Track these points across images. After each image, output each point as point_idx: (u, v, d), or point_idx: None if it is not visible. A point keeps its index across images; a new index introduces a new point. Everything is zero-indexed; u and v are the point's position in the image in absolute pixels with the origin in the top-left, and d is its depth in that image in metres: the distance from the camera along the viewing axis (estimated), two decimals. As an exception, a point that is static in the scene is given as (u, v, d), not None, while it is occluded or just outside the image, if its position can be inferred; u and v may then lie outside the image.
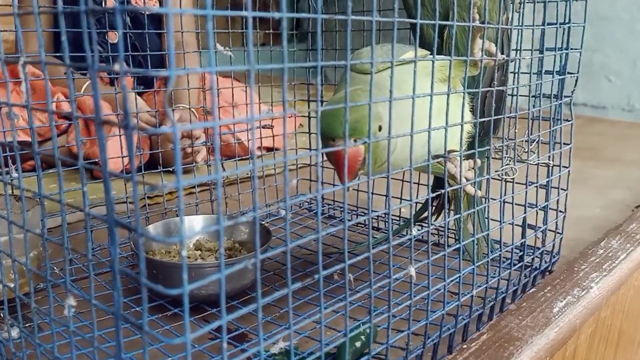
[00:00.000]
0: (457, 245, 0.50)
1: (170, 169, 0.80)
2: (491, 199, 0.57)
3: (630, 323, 0.73)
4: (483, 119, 0.49)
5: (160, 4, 1.33)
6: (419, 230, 0.73)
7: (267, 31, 0.88)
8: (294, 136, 0.99)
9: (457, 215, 0.50)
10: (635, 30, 2.48)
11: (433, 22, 0.42)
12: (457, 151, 0.50)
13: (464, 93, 0.49)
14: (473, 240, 0.52)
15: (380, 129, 0.49)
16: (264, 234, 0.66)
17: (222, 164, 0.86)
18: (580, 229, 0.84)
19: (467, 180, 0.52)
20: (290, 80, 0.96)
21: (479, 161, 0.52)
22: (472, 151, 0.50)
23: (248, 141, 0.89)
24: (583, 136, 1.58)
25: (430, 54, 0.60)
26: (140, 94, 1.31)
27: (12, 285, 0.59)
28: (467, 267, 0.53)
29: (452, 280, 0.50)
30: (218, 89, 0.85)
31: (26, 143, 0.95)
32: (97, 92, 0.29)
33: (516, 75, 0.65)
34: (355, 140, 0.47)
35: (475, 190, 0.52)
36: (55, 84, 1.09)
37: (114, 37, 1.28)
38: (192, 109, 1.03)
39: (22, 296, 0.43)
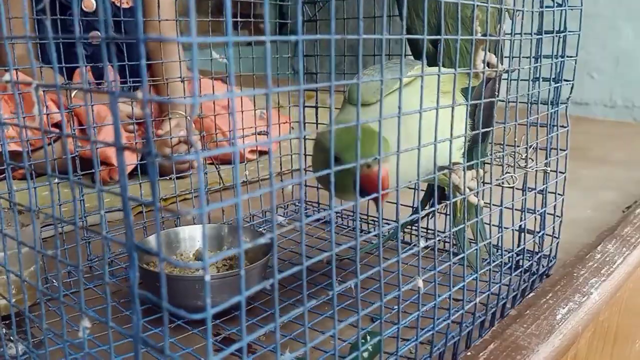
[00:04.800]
0: (462, 255, 0.51)
1: (168, 178, 0.80)
2: (493, 205, 0.58)
3: (626, 322, 0.74)
4: (487, 129, 0.50)
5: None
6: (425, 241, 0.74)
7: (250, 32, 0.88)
8: (289, 140, 1.00)
9: (461, 226, 0.51)
10: (616, 26, 2.51)
11: (439, 37, 0.43)
12: (460, 163, 0.51)
13: (465, 104, 0.49)
14: (477, 249, 0.53)
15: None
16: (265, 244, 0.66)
17: (218, 171, 0.85)
18: (573, 231, 0.86)
19: (470, 190, 0.52)
20: (279, 81, 0.95)
21: (481, 171, 0.53)
22: (475, 161, 0.51)
23: (245, 150, 0.89)
24: (570, 135, 1.60)
25: (428, 66, 0.60)
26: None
27: (15, 300, 0.58)
28: (468, 273, 0.54)
29: (456, 289, 0.51)
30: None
31: (16, 153, 0.94)
32: (117, 119, 0.29)
33: (513, 83, 0.65)
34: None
35: (479, 200, 0.53)
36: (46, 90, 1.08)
37: (96, 37, 1.27)
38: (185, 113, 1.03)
39: (29, 315, 0.43)
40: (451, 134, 0.47)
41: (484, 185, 0.54)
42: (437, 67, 0.44)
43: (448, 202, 0.48)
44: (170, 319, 0.59)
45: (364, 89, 0.54)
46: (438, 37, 0.43)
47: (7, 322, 0.57)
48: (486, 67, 0.51)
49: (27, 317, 0.42)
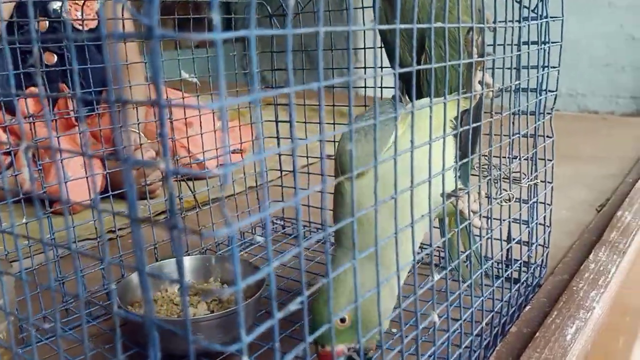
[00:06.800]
0: (469, 281, 0.50)
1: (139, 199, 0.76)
2: (486, 219, 0.57)
3: (613, 321, 0.75)
4: (488, 154, 0.49)
5: (98, 22, 1.25)
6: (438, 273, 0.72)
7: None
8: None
9: (467, 252, 0.50)
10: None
11: (443, 64, 0.41)
12: (464, 188, 0.49)
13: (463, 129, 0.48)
14: (481, 272, 0.52)
15: (343, 320, 0.48)
16: (253, 272, 0.63)
17: (194, 193, 0.82)
18: (552, 234, 0.86)
19: (474, 213, 0.51)
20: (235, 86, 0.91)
21: (482, 192, 0.52)
22: (478, 184, 0.50)
23: (219, 165, 0.85)
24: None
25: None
26: (85, 116, 1.24)
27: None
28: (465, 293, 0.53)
29: (466, 315, 0.50)
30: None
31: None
32: (133, 189, 0.26)
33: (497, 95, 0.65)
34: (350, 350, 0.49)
35: (481, 223, 0.52)
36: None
37: (51, 59, 1.20)
38: (139, 132, 0.98)
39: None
40: (456, 161, 0.45)
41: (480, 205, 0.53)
42: (429, 97, 0.42)
43: (456, 229, 0.46)
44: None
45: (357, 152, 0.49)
46: (442, 64, 0.41)
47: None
48: (484, 88, 0.49)
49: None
